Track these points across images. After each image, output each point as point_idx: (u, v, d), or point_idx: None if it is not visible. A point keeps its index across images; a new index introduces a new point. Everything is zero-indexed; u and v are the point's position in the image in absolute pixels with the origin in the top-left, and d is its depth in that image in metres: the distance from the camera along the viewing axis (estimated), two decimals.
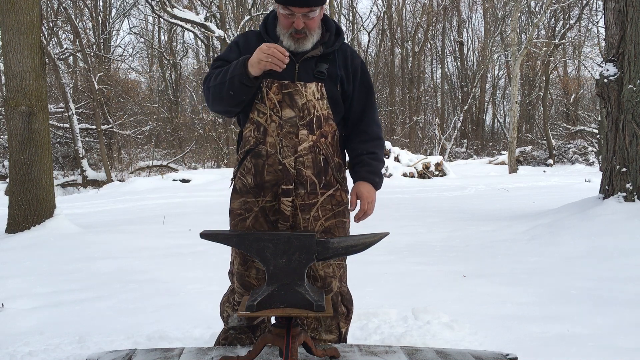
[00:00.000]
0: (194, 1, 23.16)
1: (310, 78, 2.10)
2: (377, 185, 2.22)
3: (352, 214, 2.24)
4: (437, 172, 16.86)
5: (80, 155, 18.81)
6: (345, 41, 2.24)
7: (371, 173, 2.20)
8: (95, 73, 19.93)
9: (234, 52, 2.16)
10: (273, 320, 2.34)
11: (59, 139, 20.37)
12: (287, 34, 2.07)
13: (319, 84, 2.10)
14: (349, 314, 2.29)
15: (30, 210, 6.19)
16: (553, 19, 26.75)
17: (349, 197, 2.23)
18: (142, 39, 29.49)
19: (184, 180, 15.86)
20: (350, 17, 32.35)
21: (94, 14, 24.36)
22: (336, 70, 2.14)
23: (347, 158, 2.32)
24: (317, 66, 2.11)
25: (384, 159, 2.30)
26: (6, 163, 17.17)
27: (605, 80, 5.53)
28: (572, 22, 26.10)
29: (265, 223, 2.13)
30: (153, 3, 18.85)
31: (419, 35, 31.87)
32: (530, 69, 28.81)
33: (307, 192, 2.10)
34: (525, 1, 21.73)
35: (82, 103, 20.66)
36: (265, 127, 2.10)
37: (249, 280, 2.19)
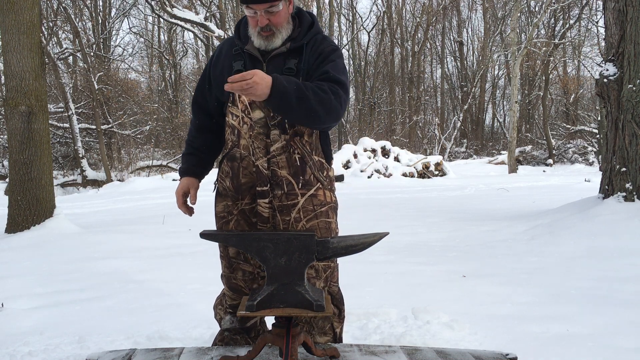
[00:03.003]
0: (194, 1, 23.16)
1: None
2: (277, 83, 1.82)
3: None
4: (436, 172, 16.87)
5: (80, 155, 18.82)
6: (321, 33, 2.18)
7: (286, 79, 1.88)
8: (95, 73, 19.93)
9: (205, 80, 2.25)
10: (268, 322, 2.34)
11: (58, 139, 20.37)
12: (255, 33, 2.07)
13: None
14: (340, 313, 2.29)
15: (30, 210, 6.19)
16: (553, 19, 26.77)
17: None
18: (141, 39, 29.52)
19: None
20: (350, 17, 32.37)
21: (93, 14, 24.37)
22: (302, 65, 2.07)
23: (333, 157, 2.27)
24: (286, 63, 2.07)
25: (318, 106, 1.91)
26: (6, 163, 17.18)
27: (605, 80, 5.53)
28: (571, 21, 26.12)
29: (246, 225, 2.13)
30: (153, 3, 18.84)
31: (419, 35, 31.89)
32: (530, 69, 28.83)
33: (284, 192, 2.07)
34: (525, 1, 21.74)
35: (82, 103, 20.67)
36: (238, 130, 2.10)
37: (236, 283, 2.19)
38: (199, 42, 27.12)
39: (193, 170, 2.28)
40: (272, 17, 2.02)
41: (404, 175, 16.28)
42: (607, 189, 5.51)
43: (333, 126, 2.09)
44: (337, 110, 1.98)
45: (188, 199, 2.25)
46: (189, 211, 2.24)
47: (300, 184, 2.09)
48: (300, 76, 2.05)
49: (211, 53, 24.87)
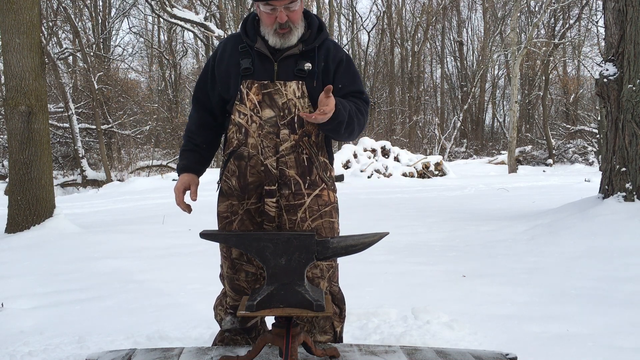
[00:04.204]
0: (194, 1, 23.18)
1: (290, 77, 2.08)
2: (339, 115, 2.00)
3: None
4: (436, 172, 16.87)
5: (80, 155, 18.82)
6: (329, 37, 2.21)
7: (343, 105, 2.03)
8: (95, 73, 19.92)
9: (207, 77, 2.23)
10: (268, 322, 2.35)
11: (58, 139, 20.37)
12: (271, 31, 2.06)
13: (300, 82, 2.08)
14: (341, 312, 2.29)
15: (30, 210, 6.19)
16: (553, 19, 26.77)
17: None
18: (141, 39, 29.52)
19: None
20: (350, 17, 32.37)
21: (93, 14, 24.38)
22: (315, 68, 2.10)
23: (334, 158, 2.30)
24: (298, 64, 2.08)
25: (356, 128, 2.12)
26: (6, 163, 17.18)
27: (605, 79, 5.53)
28: (571, 21, 26.13)
29: (251, 225, 2.13)
30: (153, 3, 18.84)
31: (419, 35, 31.88)
32: (530, 69, 28.84)
33: (291, 192, 2.08)
34: (525, 1, 21.74)
35: (82, 103, 20.67)
36: (246, 129, 2.09)
37: (239, 284, 2.19)
38: (199, 42, 27.11)
39: (193, 166, 2.25)
40: (290, 13, 2.02)
41: (404, 175, 16.29)
42: (607, 189, 5.51)
43: None
44: (364, 128, 2.22)
45: (188, 196, 2.24)
46: (188, 208, 2.22)
47: (307, 184, 2.10)
48: (315, 79, 2.09)
49: (211, 53, 24.90)
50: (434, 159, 17.28)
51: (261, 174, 2.08)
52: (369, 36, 33.08)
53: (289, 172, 2.08)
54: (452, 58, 35.15)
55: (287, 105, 2.07)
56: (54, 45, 21.26)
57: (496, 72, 32.96)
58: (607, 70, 5.55)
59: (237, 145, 2.11)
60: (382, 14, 31.46)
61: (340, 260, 2.28)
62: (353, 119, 2.07)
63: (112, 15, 26.36)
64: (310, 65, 2.08)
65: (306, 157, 2.10)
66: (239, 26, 2.23)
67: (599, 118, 20.55)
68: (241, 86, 2.09)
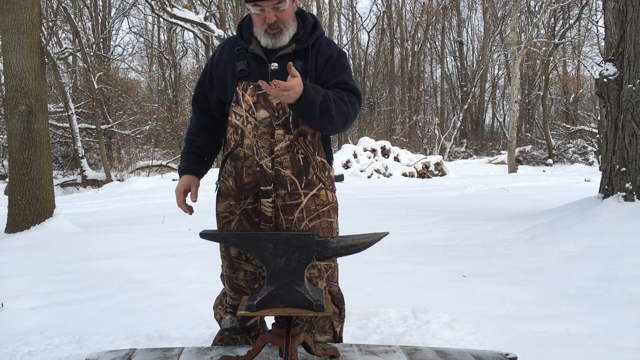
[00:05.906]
0: (194, 1, 23.18)
1: (284, 77, 2.06)
2: (307, 95, 1.89)
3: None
4: (436, 172, 16.87)
5: (80, 155, 18.82)
6: (324, 35, 2.20)
7: (315, 89, 1.94)
8: (95, 73, 19.93)
9: (205, 79, 2.24)
10: (268, 322, 2.35)
11: (58, 139, 20.38)
12: (262, 31, 2.07)
13: None
14: (341, 312, 2.29)
15: (30, 210, 6.19)
16: (553, 19, 26.78)
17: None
18: (141, 39, 29.53)
19: None
20: (350, 17, 32.39)
21: (93, 14, 24.40)
22: (308, 66, 2.10)
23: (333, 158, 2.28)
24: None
25: (341, 113, 2.01)
26: (6, 163, 17.18)
27: (605, 79, 5.53)
28: (571, 21, 26.15)
29: (249, 225, 2.13)
30: (153, 3, 18.83)
31: (419, 34, 31.89)
32: (529, 69, 28.85)
33: (287, 192, 2.08)
34: (525, 1, 21.75)
35: (82, 103, 20.68)
36: (242, 129, 2.10)
37: (238, 283, 2.19)
38: (199, 42, 27.13)
39: (194, 168, 2.26)
40: (279, 13, 2.02)
41: (404, 175, 16.29)
42: (607, 189, 5.51)
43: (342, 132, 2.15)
44: (352, 121, 2.10)
45: (188, 197, 2.25)
46: (189, 210, 2.24)
47: (303, 184, 2.10)
48: (307, 78, 2.08)
49: (211, 53, 24.88)
50: (433, 158, 17.30)
51: (257, 174, 2.09)
52: (369, 36, 33.14)
53: (284, 172, 2.08)
54: (452, 58, 35.20)
55: (281, 105, 2.07)
56: (54, 45, 21.25)
57: (496, 72, 33.01)
58: (607, 70, 5.55)
59: (234, 146, 2.12)
60: (382, 14, 31.46)
61: (340, 260, 2.28)
62: (330, 104, 1.96)
63: (112, 15, 26.39)
64: (302, 64, 2.08)
65: (302, 157, 2.10)
66: (236, 28, 2.24)
67: (599, 118, 20.56)
68: (237, 88, 2.10)
